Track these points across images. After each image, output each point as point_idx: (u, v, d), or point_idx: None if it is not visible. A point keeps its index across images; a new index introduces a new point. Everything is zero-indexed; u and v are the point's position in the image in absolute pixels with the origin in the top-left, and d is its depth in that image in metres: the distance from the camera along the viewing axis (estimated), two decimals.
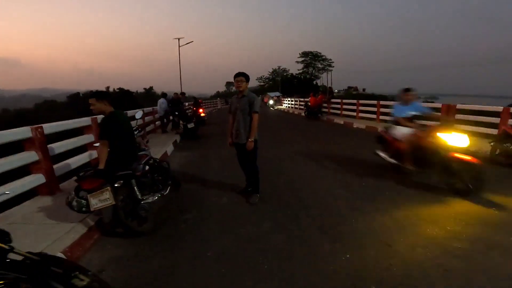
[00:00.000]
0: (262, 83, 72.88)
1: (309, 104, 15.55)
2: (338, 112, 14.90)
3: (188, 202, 3.82)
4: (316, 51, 66.38)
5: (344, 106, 14.54)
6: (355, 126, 11.47)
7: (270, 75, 72.55)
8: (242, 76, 3.58)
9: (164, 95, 11.06)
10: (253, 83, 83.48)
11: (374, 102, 12.60)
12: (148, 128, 9.49)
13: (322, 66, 66.08)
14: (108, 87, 58.78)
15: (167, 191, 3.56)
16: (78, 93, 58.21)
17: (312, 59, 66.05)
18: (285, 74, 68.79)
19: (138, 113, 4.08)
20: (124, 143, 2.98)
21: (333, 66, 66.28)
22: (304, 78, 64.25)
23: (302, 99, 21.81)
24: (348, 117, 13.75)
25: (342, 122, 12.80)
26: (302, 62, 66.76)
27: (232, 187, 4.31)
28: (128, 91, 52.41)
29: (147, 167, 3.27)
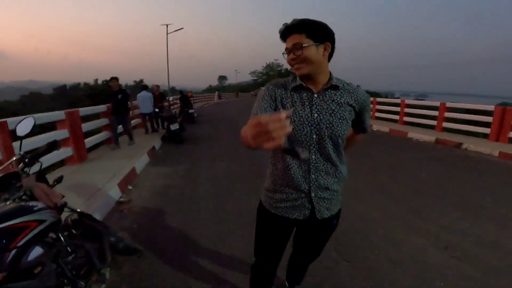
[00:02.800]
0: (255, 78, 72.03)
1: None
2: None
3: None
4: None
5: (378, 107, 11.17)
6: (413, 138, 7.96)
7: (264, 69, 71.58)
8: (308, 27, 1.08)
9: (145, 87, 8.70)
10: (246, 77, 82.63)
11: (438, 103, 8.66)
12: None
13: None
14: (96, 80, 55.74)
15: None
16: (65, 85, 56.00)
17: None
18: (279, 69, 67.57)
19: (23, 125, 1.67)
20: None
21: None
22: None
23: None
24: (387, 121, 10.41)
25: (387, 130, 9.13)
26: None
27: (234, 255, 2.27)
28: None
29: (26, 258, 1.21)
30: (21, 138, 1.67)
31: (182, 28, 20.43)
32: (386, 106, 10.90)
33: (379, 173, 4.58)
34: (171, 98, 14.84)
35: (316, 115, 1.13)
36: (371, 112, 1.29)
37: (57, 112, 4.63)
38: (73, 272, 1.43)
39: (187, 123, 10.30)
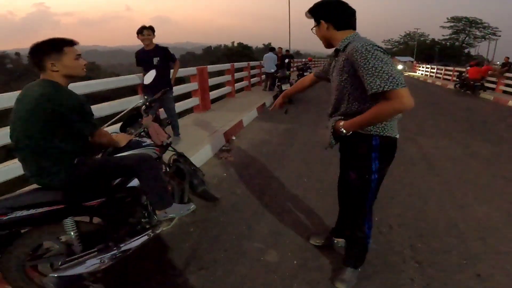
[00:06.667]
0: (390, 46, 64.03)
1: (467, 75, 10.90)
2: None
3: (214, 242, 2.05)
4: (474, 17, 54.65)
5: None
6: None
7: (401, 38, 63.02)
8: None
9: (271, 49, 9.51)
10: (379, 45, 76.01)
11: None
12: (239, 85, 8.24)
13: (482, 34, 54.36)
14: (233, 42, 61.78)
15: (161, 229, 1.67)
16: (210, 47, 66.80)
17: (466, 25, 55.18)
18: (422, 39, 59.11)
19: (149, 76, 2.28)
20: None
21: (499, 36, 53.01)
22: (451, 45, 55.25)
23: (448, 68, 17.11)
24: None
25: None
26: (451, 27, 56.55)
27: (308, 216, 2.30)
28: (246, 45, 54.04)
29: (124, 186, 1.60)
30: (146, 86, 2.14)
31: None
32: None
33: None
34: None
35: (333, 72, 1.50)
36: (373, 71, 1.16)
37: (190, 68, 5.59)
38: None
39: None
